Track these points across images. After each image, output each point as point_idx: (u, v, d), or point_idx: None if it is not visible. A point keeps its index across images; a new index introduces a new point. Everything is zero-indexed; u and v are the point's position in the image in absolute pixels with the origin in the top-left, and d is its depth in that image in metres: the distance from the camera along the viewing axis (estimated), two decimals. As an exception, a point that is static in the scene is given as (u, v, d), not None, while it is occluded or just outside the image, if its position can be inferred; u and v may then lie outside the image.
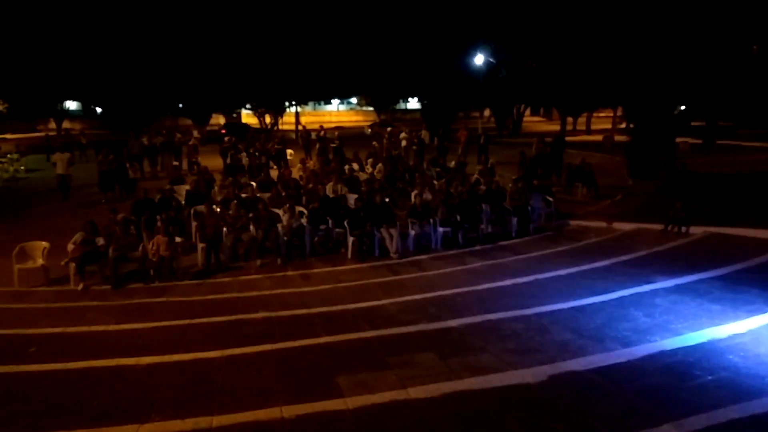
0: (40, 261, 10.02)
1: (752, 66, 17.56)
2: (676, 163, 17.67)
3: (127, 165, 18.65)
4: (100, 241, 9.89)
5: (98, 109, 52.69)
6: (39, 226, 13.63)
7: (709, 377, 4.90)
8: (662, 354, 5.46)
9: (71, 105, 50.53)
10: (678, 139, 20.61)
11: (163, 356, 6.00)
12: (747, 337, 5.74)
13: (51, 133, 34.95)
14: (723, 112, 30.86)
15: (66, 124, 47.71)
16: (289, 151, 24.03)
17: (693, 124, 22.27)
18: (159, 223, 11.06)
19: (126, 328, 7.23)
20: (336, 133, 26.51)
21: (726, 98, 23.17)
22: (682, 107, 20.05)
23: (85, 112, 55.83)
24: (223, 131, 33.70)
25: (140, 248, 10.14)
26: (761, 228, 10.71)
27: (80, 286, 9.45)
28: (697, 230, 11.37)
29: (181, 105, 44.86)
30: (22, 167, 24.64)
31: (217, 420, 4.52)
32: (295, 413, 4.56)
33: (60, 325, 7.38)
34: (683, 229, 11.48)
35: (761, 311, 6.47)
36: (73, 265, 9.57)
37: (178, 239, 10.50)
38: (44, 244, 10.21)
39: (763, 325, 6.05)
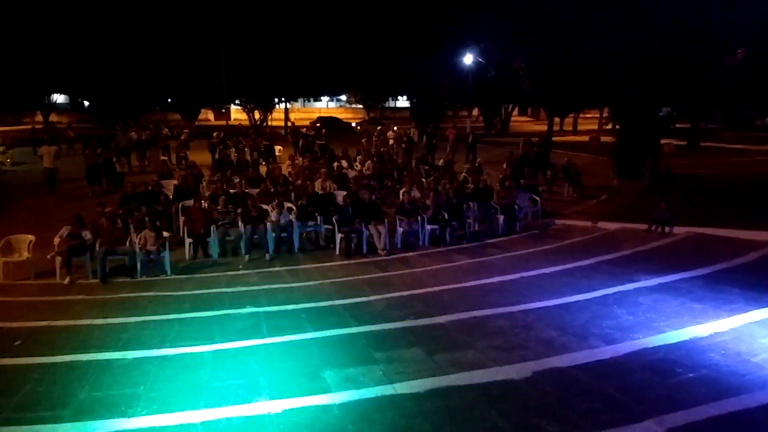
0: (25, 254, 9.92)
1: (737, 70, 17.80)
2: (661, 164, 17.88)
3: (115, 159, 18.51)
4: (87, 234, 9.83)
5: (86, 103, 52.17)
6: (25, 219, 13.50)
7: (691, 374, 4.97)
8: (645, 351, 5.53)
9: (58, 98, 49.92)
10: (663, 141, 20.84)
11: (149, 350, 5.98)
12: (728, 336, 5.82)
13: (38, 126, 34.52)
14: (707, 114, 31.22)
15: (53, 117, 47.22)
16: (277, 148, 24.01)
17: (678, 125, 22.53)
18: (137, 213, 11.07)
19: (112, 322, 7.19)
20: (323, 130, 26.49)
21: (711, 101, 23.47)
22: (667, 109, 20.27)
23: (73, 106, 55.24)
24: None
25: (127, 242, 10.09)
26: (743, 229, 10.89)
27: (66, 280, 9.40)
28: (680, 230, 11.52)
29: (169, 100, 44.57)
30: (9, 160, 24.40)
31: (204, 414, 4.52)
32: (281, 407, 4.57)
33: (46, 319, 7.33)
34: (667, 229, 11.63)
35: (742, 310, 6.57)
36: (59, 258, 9.52)
37: (165, 234, 10.46)
38: (30, 237, 10.11)
39: (743, 324, 6.14)
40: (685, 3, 15.69)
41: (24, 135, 32.20)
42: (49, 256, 9.69)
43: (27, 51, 35.59)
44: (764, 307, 6.62)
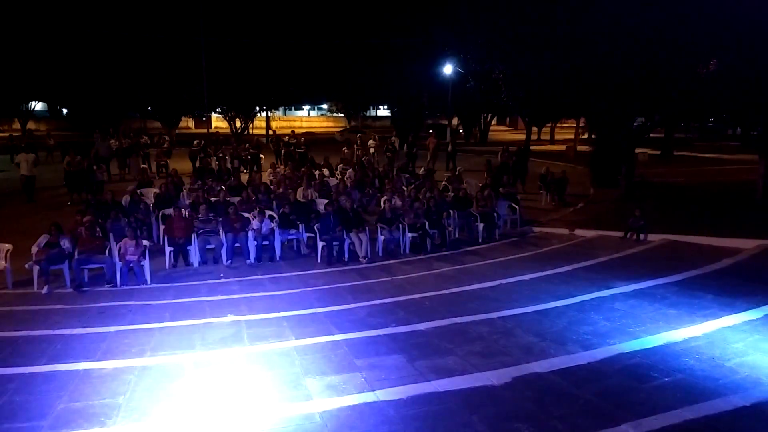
0: (2, 263, 9.74)
1: (709, 81, 18.19)
2: (636, 173, 18.17)
3: (94, 167, 18.30)
4: (65, 243, 9.72)
5: (64, 110, 51.42)
6: (2, 228, 13.22)
7: (666, 379, 5.06)
8: (621, 356, 5.61)
9: (37, 105, 49.11)
10: (637, 150, 21.18)
11: (129, 360, 5.94)
12: (702, 341, 5.93)
13: (15, 134, 33.95)
14: (681, 124, 31.80)
15: (31, 125, 46.47)
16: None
17: (652, 135, 22.95)
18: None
19: (91, 331, 7.11)
20: (302, 138, 26.51)
21: (684, 111, 23.90)
22: (642, 119, 20.62)
23: (51, 113, 54.41)
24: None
25: (107, 251, 10.00)
26: (716, 236, 11.12)
27: (44, 289, 9.24)
28: (655, 237, 11.72)
29: (150, 107, 44.15)
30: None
31: (185, 424, 4.51)
32: (263, 416, 4.57)
33: (23, 329, 7.23)
34: (642, 236, 11.83)
35: (716, 316, 6.70)
36: (36, 267, 9.37)
37: (145, 242, 10.38)
38: (7, 245, 9.93)
39: (717, 330, 6.26)
40: (659, 15, 16.00)
41: (1, 143, 31.63)
42: (26, 265, 9.54)
43: (4, 58, 35.00)
44: (737, 312, 6.76)
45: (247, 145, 24.78)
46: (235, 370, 5.57)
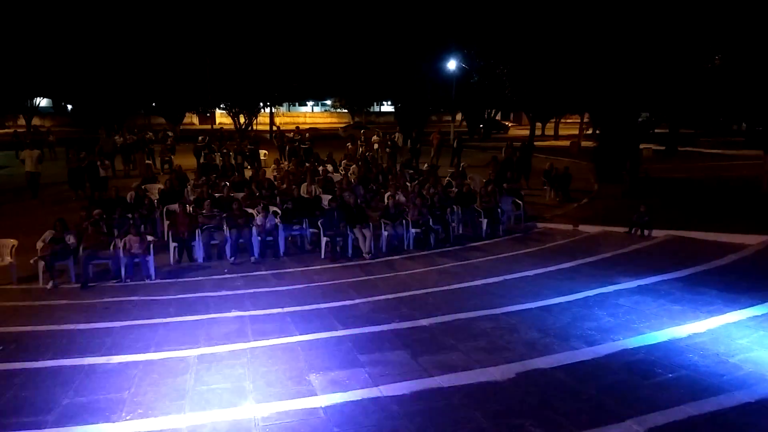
0: (8, 259, 9.82)
1: (714, 76, 18.14)
2: (640, 169, 18.12)
3: (98, 163, 18.34)
4: (70, 239, 9.75)
5: (69, 107, 51.44)
6: (7, 224, 13.29)
7: (670, 375, 5.05)
8: (625, 352, 5.61)
9: (41, 101, 49.10)
10: (642, 145, 21.13)
11: (134, 355, 5.96)
12: (706, 337, 5.92)
13: (20, 130, 33.97)
14: (685, 120, 31.74)
15: (36, 121, 46.46)
16: (263, 152, 23.93)
17: (656, 131, 22.90)
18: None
19: (96, 326, 7.14)
20: (307, 134, 26.52)
21: (688, 107, 23.84)
22: (646, 114, 20.57)
23: (56, 109, 54.44)
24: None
25: (111, 246, 10.03)
26: (720, 231, 11.08)
27: (49, 285, 9.30)
28: (659, 233, 11.70)
29: (154, 104, 44.15)
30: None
31: (189, 419, 4.53)
32: (267, 411, 4.59)
33: (29, 324, 7.28)
34: (646, 232, 11.80)
35: (720, 312, 6.68)
36: (42, 263, 9.42)
37: (150, 238, 10.41)
38: (12, 241, 10.00)
39: (721, 326, 6.24)
40: (664, 10, 15.95)
41: (6, 139, 31.74)
42: (32, 261, 9.58)
43: (9, 54, 35.05)
44: (741, 308, 6.74)
45: (246, 141, 24.79)
46: (239, 366, 5.58)
